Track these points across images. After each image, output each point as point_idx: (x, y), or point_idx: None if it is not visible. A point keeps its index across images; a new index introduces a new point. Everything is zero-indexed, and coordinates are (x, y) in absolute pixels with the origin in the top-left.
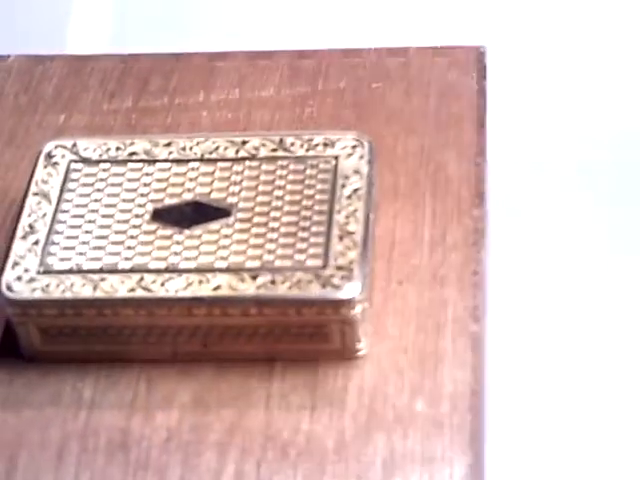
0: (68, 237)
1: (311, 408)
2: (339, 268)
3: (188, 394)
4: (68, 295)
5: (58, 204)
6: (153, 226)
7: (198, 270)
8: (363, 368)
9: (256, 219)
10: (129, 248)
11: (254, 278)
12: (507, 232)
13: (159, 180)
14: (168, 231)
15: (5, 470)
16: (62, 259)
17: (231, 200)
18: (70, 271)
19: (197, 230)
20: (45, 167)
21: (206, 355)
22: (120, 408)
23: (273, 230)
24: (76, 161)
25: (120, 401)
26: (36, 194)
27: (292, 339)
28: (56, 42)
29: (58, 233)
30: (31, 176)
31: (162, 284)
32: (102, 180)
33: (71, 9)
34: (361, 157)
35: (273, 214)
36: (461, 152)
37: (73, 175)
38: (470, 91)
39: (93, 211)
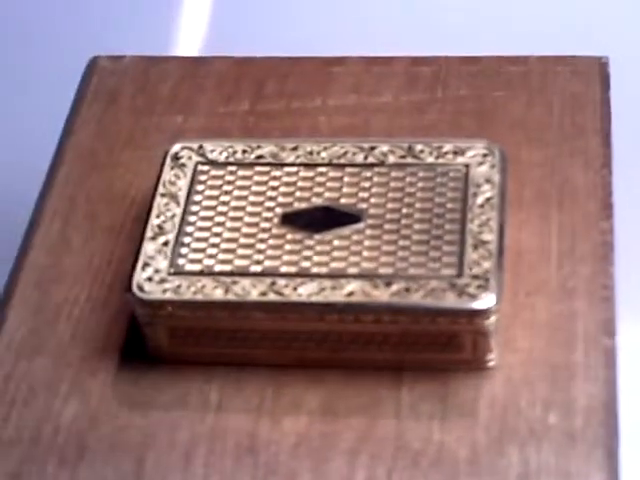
0: (197, 239)
1: (442, 418)
2: (475, 277)
3: (316, 400)
4: (199, 297)
5: (186, 206)
6: (283, 230)
7: (331, 275)
8: (494, 379)
9: (387, 226)
10: (259, 252)
11: (388, 285)
12: (634, 245)
13: (287, 184)
14: (298, 235)
15: (133, 471)
16: (192, 261)
17: (361, 206)
18: (201, 273)
19: (328, 235)
20: (172, 169)
21: (334, 362)
22: (247, 412)
23: (405, 237)
24: (203, 163)
25: (247, 405)
26: (164, 195)
27: (423, 348)
28: (164, 44)
29: (187, 235)
30: (158, 177)
31: (294, 288)
32: (229, 183)
33: (180, 11)
34: (492, 166)
35: (404, 221)
36: (587, 163)
37: (200, 177)
38: (594, 101)
39: (221, 214)
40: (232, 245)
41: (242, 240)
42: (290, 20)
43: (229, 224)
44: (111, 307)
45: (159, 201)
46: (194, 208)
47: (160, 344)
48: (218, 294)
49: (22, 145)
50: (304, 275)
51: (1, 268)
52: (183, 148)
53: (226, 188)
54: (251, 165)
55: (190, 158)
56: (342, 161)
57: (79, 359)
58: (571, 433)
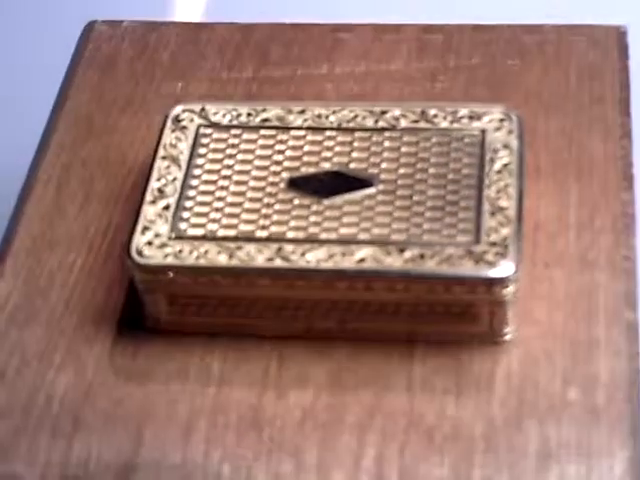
0: (200, 203)
1: (456, 393)
2: (492, 244)
3: (323, 373)
4: (202, 262)
5: (188, 169)
6: (290, 195)
7: (340, 241)
8: (511, 353)
9: (400, 191)
10: (265, 217)
11: (401, 251)
12: None
13: (294, 148)
14: (306, 201)
15: (130, 446)
16: (194, 225)
17: (372, 171)
18: (204, 238)
19: (337, 200)
20: (173, 131)
21: (343, 333)
22: (251, 385)
23: (419, 203)
24: (205, 126)
25: (251, 377)
26: (164, 158)
27: (436, 319)
28: (163, 9)
29: (189, 198)
30: (159, 140)
31: (302, 254)
32: (233, 146)
33: None
34: (510, 131)
35: (418, 187)
36: (606, 133)
37: (203, 140)
38: (612, 71)
39: (225, 177)
40: (236, 210)
41: (247, 205)
42: None
43: (233, 188)
44: (108, 275)
45: (159, 164)
46: (196, 172)
47: (159, 313)
48: (222, 259)
49: (16, 111)
50: (312, 241)
51: None
52: (185, 110)
53: (230, 152)
54: (256, 128)
55: (192, 120)
56: (352, 125)
57: (74, 328)
58: (593, 409)
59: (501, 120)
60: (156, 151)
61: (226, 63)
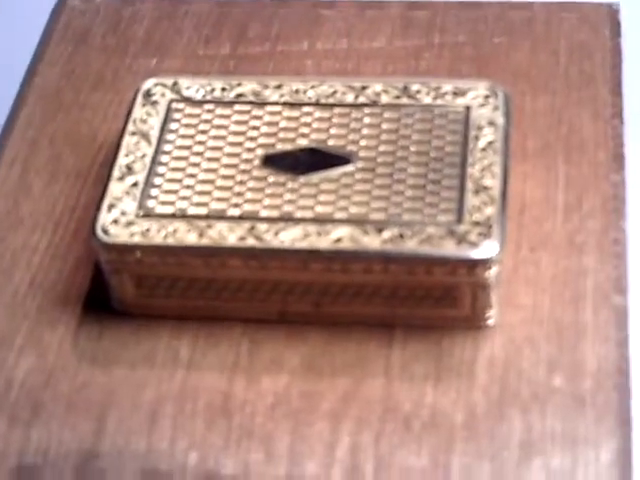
0: (170, 180)
1: (436, 379)
2: (475, 224)
3: (297, 358)
4: (171, 241)
5: (158, 145)
6: (264, 172)
7: (316, 220)
8: (493, 338)
9: (380, 169)
10: (238, 194)
11: (380, 231)
12: None
13: (269, 124)
14: (281, 178)
15: (93, 431)
16: (163, 203)
17: (351, 148)
18: (173, 216)
19: (314, 178)
20: (144, 106)
21: (318, 316)
22: (221, 370)
23: (399, 182)
24: (177, 100)
25: (221, 363)
26: (134, 133)
27: (416, 302)
28: None
29: (159, 175)
30: (128, 114)
31: (276, 234)
32: (206, 122)
33: None
34: (495, 108)
35: (398, 165)
36: (596, 113)
37: (174, 115)
38: (603, 49)
39: (197, 154)
40: (208, 187)
41: (219, 182)
42: None
43: (205, 165)
44: (74, 255)
45: (128, 140)
46: (167, 147)
47: (126, 295)
48: (191, 238)
49: None
50: (287, 219)
51: None
52: (156, 85)
53: (202, 127)
54: (230, 104)
55: (164, 95)
56: (330, 101)
57: (37, 310)
58: (579, 397)
59: (486, 97)
60: (125, 126)
61: (203, 39)
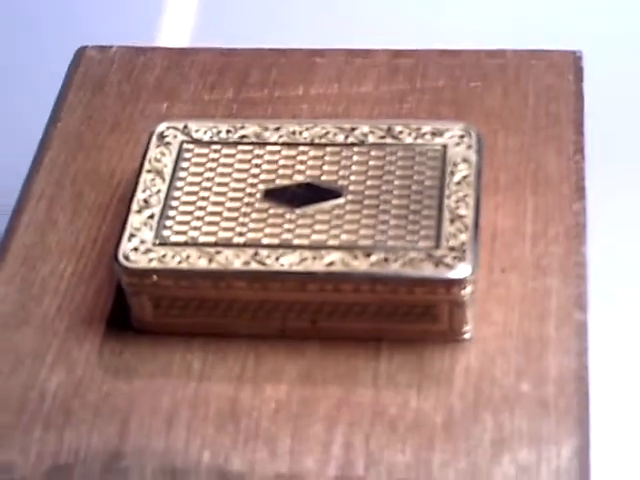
0: (182, 212)
1: (418, 386)
2: (451, 249)
3: (296, 369)
4: (184, 266)
5: (172, 181)
6: (265, 205)
7: (312, 246)
8: (469, 350)
9: (367, 201)
10: (242, 224)
11: (367, 256)
12: (605, 225)
13: (270, 162)
14: (280, 210)
15: (117, 434)
16: (177, 232)
17: (342, 183)
18: (186, 244)
19: (309, 209)
20: (158, 146)
21: (314, 332)
22: (229, 380)
23: (384, 212)
24: (188, 142)
25: (229, 373)
26: (150, 171)
27: (400, 318)
28: (150, 35)
29: (172, 208)
30: (144, 154)
31: (276, 259)
32: (214, 160)
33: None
34: (469, 146)
35: (384, 197)
36: (560, 150)
37: (185, 155)
38: (567, 93)
39: (206, 189)
40: (216, 218)
41: (226, 214)
42: (274, 13)
43: (213, 199)
44: (97, 281)
45: (145, 177)
46: (179, 184)
47: (144, 314)
48: (202, 263)
49: (11, 130)
50: (286, 246)
51: None
52: (169, 127)
53: (210, 165)
54: (235, 144)
55: (175, 137)
56: (323, 141)
57: (65, 329)
58: (544, 401)
59: (461, 136)
60: (142, 165)
61: (208, 85)
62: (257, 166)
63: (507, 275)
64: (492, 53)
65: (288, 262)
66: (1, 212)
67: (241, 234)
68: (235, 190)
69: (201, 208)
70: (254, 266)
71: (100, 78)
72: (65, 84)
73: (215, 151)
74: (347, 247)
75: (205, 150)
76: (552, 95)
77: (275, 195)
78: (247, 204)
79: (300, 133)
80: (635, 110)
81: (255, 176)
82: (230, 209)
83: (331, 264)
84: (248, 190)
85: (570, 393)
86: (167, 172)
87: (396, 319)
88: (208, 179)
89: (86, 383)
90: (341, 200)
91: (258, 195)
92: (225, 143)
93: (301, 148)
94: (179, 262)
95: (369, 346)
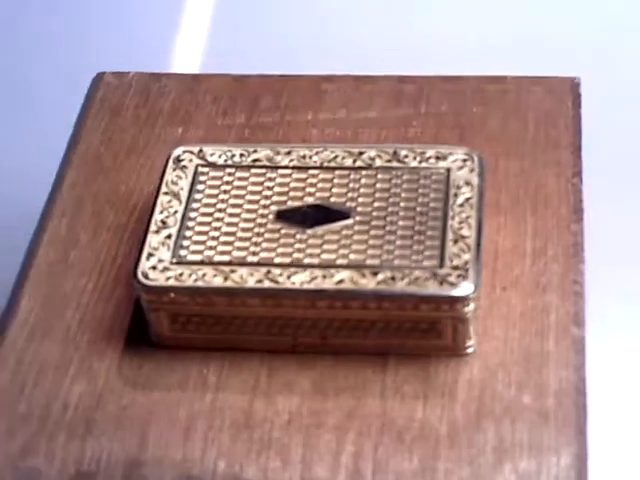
0: (198, 233)
1: (424, 398)
2: (455, 268)
3: (307, 382)
4: (200, 284)
5: (188, 203)
6: (277, 225)
7: (321, 266)
8: (472, 364)
9: (374, 222)
10: (256, 244)
11: (375, 274)
12: (602, 245)
13: (281, 185)
14: (292, 230)
15: (137, 444)
16: (193, 252)
17: (350, 204)
18: (202, 262)
19: (319, 230)
20: (174, 170)
21: (324, 347)
22: (243, 393)
23: (391, 233)
24: (203, 165)
25: (243, 386)
26: (167, 193)
27: (406, 334)
28: (164, 61)
29: (189, 229)
30: (161, 177)
31: (288, 277)
32: (228, 183)
33: (180, 31)
34: (472, 170)
35: (390, 218)
36: (559, 173)
37: (201, 178)
38: (566, 118)
39: (220, 210)
40: (230, 238)
41: (240, 234)
42: (284, 40)
43: (227, 220)
44: (116, 297)
45: (162, 199)
46: (195, 205)
47: (162, 330)
48: (217, 281)
49: (33, 154)
50: (297, 265)
51: (13, 261)
52: (185, 152)
53: (224, 188)
54: (248, 167)
55: (191, 161)
56: (332, 164)
57: (86, 343)
58: (543, 412)
59: (464, 160)
60: (159, 187)
61: (221, 111)
62: (269, 188)
63: (508, 293)
64: (493, 79)
65: (299, 280)
66: (25, 230)
67: (254, 253)
68: (248, 211)
69: (216, 229)
70: (267, 284)
71: (117, 103)
72: (84, 108)
73: (229, 174)
74: (355, 266)
75: (220, 173)
76: (551, 120)
77: (286, 216)
78: (260, 225)
79: (310, 157)
80: (631, 134)
81: (267, 198)
82: (244, 229)
83: (340, 282)
84: (261, 211)
85: (569, 405)
86: (183, 194)
87: (402, 335)
88: (223, 201)
89: (106, 395)
90: (349, 221)
91: (270, 216)
92: (239, 166)
93: (311, 171)
94: (195, 280)
95: (377, 360)
